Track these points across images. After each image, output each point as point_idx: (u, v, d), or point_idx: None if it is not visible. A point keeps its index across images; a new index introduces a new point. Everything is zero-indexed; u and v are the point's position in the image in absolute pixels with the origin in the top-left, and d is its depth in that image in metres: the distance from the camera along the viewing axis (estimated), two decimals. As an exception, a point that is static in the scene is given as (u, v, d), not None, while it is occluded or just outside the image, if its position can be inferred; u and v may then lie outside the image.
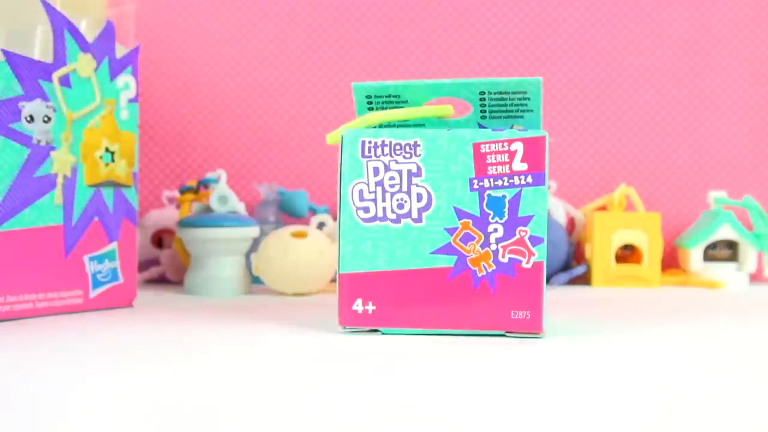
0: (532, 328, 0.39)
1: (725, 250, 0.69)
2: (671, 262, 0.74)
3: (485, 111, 0.41)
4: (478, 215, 0.39)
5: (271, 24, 0.74)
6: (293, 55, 0.74)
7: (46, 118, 0.46)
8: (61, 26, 0.47)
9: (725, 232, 0.68)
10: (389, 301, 0.39)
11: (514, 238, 0.39)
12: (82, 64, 0.48)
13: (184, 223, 0.59)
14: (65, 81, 0.47)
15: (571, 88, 0.75)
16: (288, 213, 0.68)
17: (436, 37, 0.74)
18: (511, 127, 0.40)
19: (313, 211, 0.69)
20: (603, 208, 0.73)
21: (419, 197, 0.39)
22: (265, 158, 0.74)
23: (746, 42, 0.75)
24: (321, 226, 0.67)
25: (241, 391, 0.27)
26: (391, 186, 0.39)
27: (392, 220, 0.39)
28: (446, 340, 0.38)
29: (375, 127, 0.41)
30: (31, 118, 0.45)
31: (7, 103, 0.44)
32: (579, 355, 0.35)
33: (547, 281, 0.67)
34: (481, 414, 0.24)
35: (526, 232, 0.39)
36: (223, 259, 0.59)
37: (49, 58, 0.46)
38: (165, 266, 0.67)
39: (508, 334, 0.39)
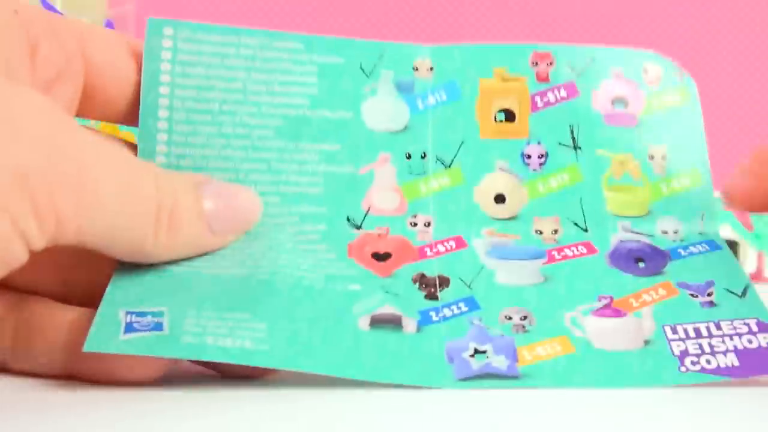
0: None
1: (725, 250, 0.69)
2: (671, 262, 0.74)
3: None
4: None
5: (271, 24, 0.74)
6: (293, 55, 0.74)
7: (46, 118, 0.46)
8: (61, 26, 0.47)
9: (725, 232, 0.67)
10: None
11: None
12: (82, 64, 0.48)
13: (184, 223, 0.59)
14: (65, 81, 0.47)
15: (571, 88, 0.75)
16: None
17: (436, 37, 0.74)
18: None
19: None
20: (603, 208, 0.72)
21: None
22: (265, 158, 0.74)
23: (746, 42, 0.75)
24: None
25: (240, 390, 0.27)
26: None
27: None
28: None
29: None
30: (31, 118, 0.45)
31: (7, 103, 0.44)
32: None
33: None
34: (481, 414, 0.24)
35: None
36: (223, 259, 0.59)
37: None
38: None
39: (508, 334, 0.39)
